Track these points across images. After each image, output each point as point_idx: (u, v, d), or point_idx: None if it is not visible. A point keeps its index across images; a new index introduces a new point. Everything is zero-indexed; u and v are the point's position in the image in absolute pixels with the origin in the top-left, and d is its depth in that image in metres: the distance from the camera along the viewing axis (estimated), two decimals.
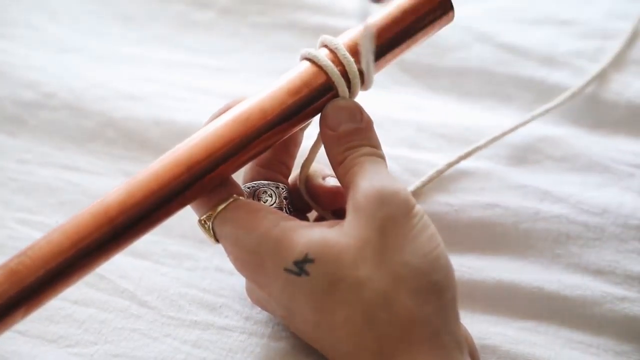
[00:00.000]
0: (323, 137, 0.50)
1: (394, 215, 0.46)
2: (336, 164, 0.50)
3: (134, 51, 0.71)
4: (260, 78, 0.69)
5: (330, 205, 0.53)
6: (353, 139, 0.49)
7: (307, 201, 0.53)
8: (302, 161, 0.53)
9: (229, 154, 0.48)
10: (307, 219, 0.55)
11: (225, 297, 0.56)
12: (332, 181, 0.53)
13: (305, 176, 0.53)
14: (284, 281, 0.47)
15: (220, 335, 0.54)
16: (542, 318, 0.56)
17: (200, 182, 0.48)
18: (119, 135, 0.65)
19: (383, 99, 0.67)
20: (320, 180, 0.53)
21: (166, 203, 0.47)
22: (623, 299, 0.56)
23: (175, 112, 0.66)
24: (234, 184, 0.50)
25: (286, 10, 0.74)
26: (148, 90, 0.67)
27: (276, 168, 0.53)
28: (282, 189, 0.52)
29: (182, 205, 0.48)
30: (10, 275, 0.44)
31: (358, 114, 0.50)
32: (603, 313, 0.55)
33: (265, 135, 0.49)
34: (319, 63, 0.50)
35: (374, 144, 0.50)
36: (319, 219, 0.55)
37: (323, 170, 0.54)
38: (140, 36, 0.73)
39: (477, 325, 0.55)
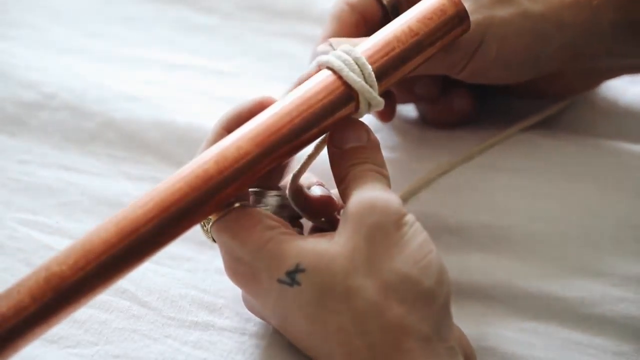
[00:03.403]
0: (329, 156, 0.51)
1: (382, 223, 0.46)
2: (339, 181, 0.50)
3: (134, 52, 0.71)
4: (261, 83, 0.69)
5: (318, 215, 0.53)
6: (357, 156, 0.50)
7: (298, 212, 0.53)
8: (293, 164, 0.53)
9: (250, 168, 0.47)
10: (300, 225, 0.55)
11: (226, 298, 0.56)
12: (317, 190, 0.53)
13: (295, 188, 0.52)
14: (277, 292, 0.47)
15: (220, 337, 0.54)
16: (541, 319, 0.56)
17: (218, 198, 0.47)
18: (119, 137, 0.65)
19: None
20: (306, 191, 0.53)
21: (187, 218, 0.47)
22: (622, 299, 0.56)
23: (176, 113, 0.66)
24: None
25: (290, 19, 0.74)
26: (148, 92, 0.67)
27: (269, 174, 0.52)
28: (276, 194, 0.52)
29: (201, 220, 0.48)
30: (48, 287, 0.44)
31: (364, 134, 0.50)
32: (602, 314, 0.56)
33: (285, 152, 0.48)
34: (342, 76, 0.49)
35: (378, 163, 0.50)
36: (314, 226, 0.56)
37: (309, 179, 0.54)
38: (142, 38, 0.73)
39: (475, 327, 0.55)
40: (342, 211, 0.48)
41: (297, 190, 0.52)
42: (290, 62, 0.71)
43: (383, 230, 0.46)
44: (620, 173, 0.62)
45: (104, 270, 0.45)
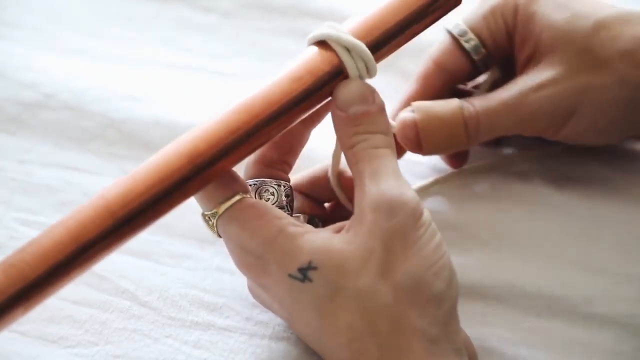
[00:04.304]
0: (333, 118, 0.49)
1: (400, 227, 0.46)
2: (345, 147, 0.49)
3: (134, 52, 0.71)
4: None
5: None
6: (362, 122, 0.48)
7: (338, 194, 0.53)
8: (303, 161, 0.53)
9: (233, 145, 0.47)
10: (319, 208, 0.55)
11: (226, 297, 0.56)
12: None
13: (338, 167, 0.52)
14: (287, 286, 0.47)
15: (221, 336, 0.54)
16: (542, 318, 0.56)
17: (203, 174, 0.47)
18: (119, 136, 0.65)
19: None
20: (348, 174, 0.53)
21: (168, 196, 0.46)
22: (623, 298, 0.56)
23: (176, 113, 0.66)
24: (239, 181, 0.50)
25: (289, 17, 0.74)
26: (148, 92, 0.67)
27: (278, 166, 0.52)
28: (284, 186, 0.52)
29: (184, 197, 0.47)
30: (9, 272, 0.43)
31: (370, 95, 0.49)
32: (603, 313, 0.56)
33: (271, 125, 0.48)
34: (329, 44, 0.49)
35: (384, 130, 0.49)
36: (331, 211, 0.56)
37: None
38: (142, 38, 0.73)
39: (475, 327, 0.55)
40: (355, 202, 0.48)
41: (339, 174, 0.52)
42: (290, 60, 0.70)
43: (401, 233, 0.46)
44: (622, 173, 0.62)
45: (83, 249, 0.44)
